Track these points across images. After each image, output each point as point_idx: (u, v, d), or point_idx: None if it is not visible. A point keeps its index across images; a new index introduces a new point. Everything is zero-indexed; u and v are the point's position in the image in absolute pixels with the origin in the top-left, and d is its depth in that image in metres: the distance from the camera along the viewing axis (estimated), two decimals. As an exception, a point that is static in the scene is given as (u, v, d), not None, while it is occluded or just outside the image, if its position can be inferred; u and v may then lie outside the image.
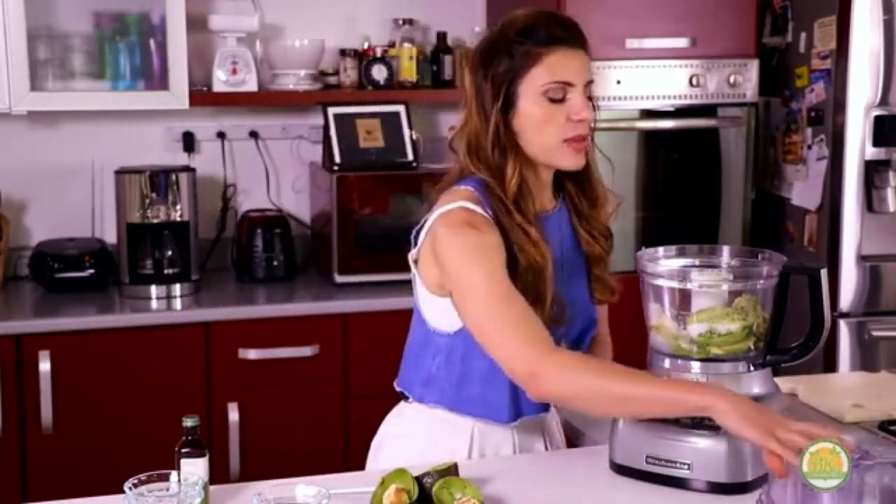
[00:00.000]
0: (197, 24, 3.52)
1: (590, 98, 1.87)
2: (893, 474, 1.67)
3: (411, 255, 1.93)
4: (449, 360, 1.92)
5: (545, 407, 1.97)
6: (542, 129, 1.85)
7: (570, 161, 1.88)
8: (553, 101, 1.83)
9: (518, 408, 1.93)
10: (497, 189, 1.85)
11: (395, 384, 2.03)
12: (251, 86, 3.55)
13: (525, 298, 1.79)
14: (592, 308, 2.02)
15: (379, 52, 3.63)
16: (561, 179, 1.97)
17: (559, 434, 2.09)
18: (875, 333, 3.38)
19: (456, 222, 1.82)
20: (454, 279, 1.82)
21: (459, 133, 1.92)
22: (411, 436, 1.97)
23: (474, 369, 1.90)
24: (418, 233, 1.92)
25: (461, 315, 1.84)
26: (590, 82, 1.87)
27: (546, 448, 2.03)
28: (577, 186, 1.98)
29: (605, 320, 2.12)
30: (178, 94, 3.37)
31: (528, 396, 1.82)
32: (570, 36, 1.85)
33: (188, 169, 3.45)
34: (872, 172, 3.35)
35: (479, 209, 1.83)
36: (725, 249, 1.94)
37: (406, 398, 2.00)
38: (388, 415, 2.07)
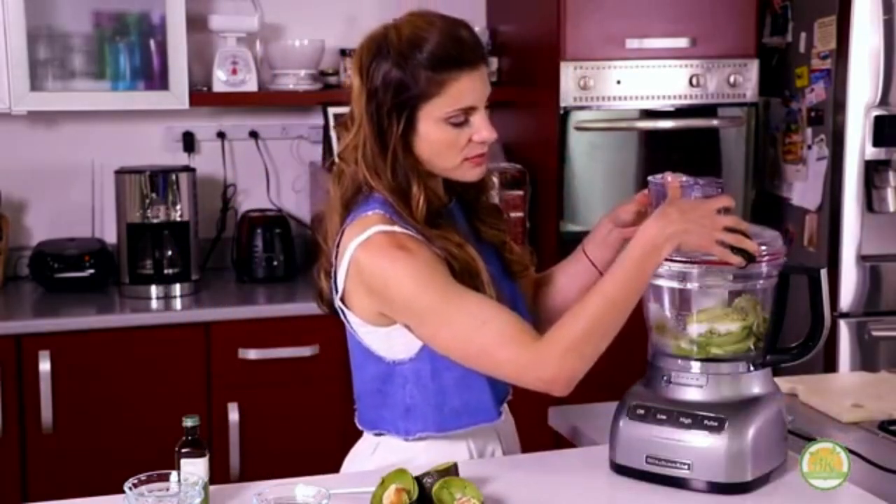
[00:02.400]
0: (197, 24, 3.52)
1: (487, 107, 1.81)
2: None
3: (337, 298, 1.84)
4: (419, 384, 1.84)
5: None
6: (443, 153, 1.79)
7: (472, 175, 1.84)
8: (455, 125, 1.78)
9: (498, 396, 1.89)
10: (403, 210, 1.78)
11: (357, 423, 1.94)
12: (251, 86, 3.55)
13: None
14: (519, 298, 1.95)
15: (379, 52, 3.63)
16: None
17: (513, 434, 2.05)
18: (875, 333, 3.38)
19: (381, 248, 1.75)
20: (407, 308, 1.76)
21: (352, 144, 1.81)
22: (409, 465, 1.83)
23: (448, 382, 1.83)
24: (336, 274, 1.83)
25: (429, 341, 1.78)
26: (488, 98, 1.81)
27: (502, 449, 1.98)
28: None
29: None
30: (178, 94, 3.37)
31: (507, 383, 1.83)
32: (473, 57, 1.78)
33: (188, 169, 3.45)
34: (872, 172, 3.35)
35: (396, 229, 1.76)
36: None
37: (378, 434, 1.92)
38: (354, 450, 1.97)
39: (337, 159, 1.89)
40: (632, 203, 1.93)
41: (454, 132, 1.79)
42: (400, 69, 1.75)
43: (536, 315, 2.00)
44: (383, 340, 1.85)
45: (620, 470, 1.83)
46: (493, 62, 3.76)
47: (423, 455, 1.86)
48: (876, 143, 3.32)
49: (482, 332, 1.73)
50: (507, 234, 1.96)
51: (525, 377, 1.75)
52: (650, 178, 1.86)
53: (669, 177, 1.80)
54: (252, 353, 3.20)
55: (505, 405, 1.97)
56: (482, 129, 1.80)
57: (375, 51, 1.79)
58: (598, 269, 1.95)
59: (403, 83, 1.75)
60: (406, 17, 1.82)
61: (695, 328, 1.81)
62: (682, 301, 1.82)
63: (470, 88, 1.78)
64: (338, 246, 1.82)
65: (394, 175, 1.78)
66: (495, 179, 3.44)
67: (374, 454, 1.92)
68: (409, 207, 1.78)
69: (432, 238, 1.78)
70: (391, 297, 1.77)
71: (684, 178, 1.80)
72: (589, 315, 1.72)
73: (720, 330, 1.80)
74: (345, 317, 1.88)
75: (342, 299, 1.84)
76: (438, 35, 1.76)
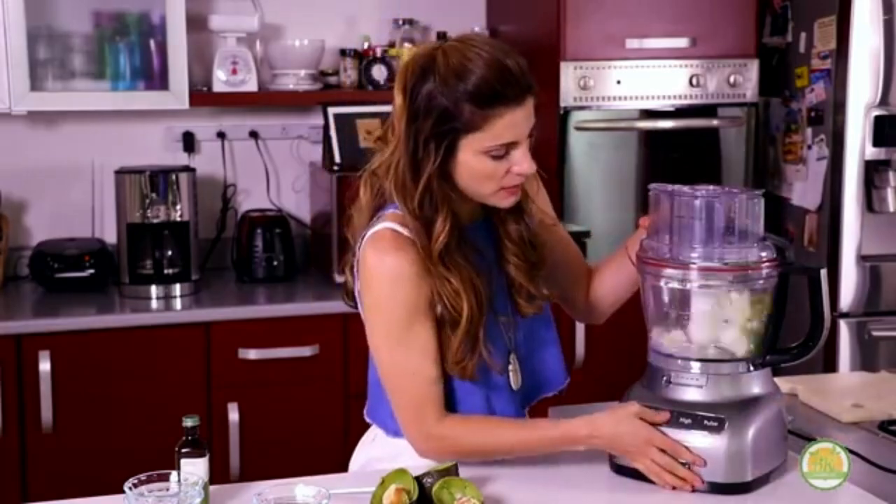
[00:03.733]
0: (197, 24, 3.52)
1: (530, 135, 1.78)
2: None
3: (356, 288, 1.86)
4: None
5: (523, 409, 1.94)
6: (481, 182, 1.77)
7: (505, 203, 1.82)
8: (495, 157, 1.75)
9: (524, 406, 1.92)
10: (423, 239, 1.76)
11: (364, 414, 1.98)
12: (251, 86, 3.55)
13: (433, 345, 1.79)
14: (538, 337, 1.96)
15: (379, 52, 3.63)
16: None
17: None
18: (875, 333, 3.38)
19: (380, 243, 1.77)
20: (369, 310, 1.82)
21: (387, 163, 1.79)
22: (399, 459, 1.88)
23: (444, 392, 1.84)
24: (354, 267, 1.86)
25: (370, 346, 1.84)
26: (532, 129, 1.79)
27: None
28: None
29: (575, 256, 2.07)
30: (178, 94, 3.37)
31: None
32: (519, 91, 1.73)
33: (188, 169, 3.45)
34: (872, 172, 3.35)
35: (406, 232, 1.77)
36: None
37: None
38: (363, 438, 2.01)
39: (371, 174, 1.86)
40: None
41: (493, 164, 1.76)
42: (444, 98, 1.72)
43: (582, 305, 2.06)
44: None
45: (620, 470, 1.83)
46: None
47: (411, 451, 1.87)
48: (876, 143, 3.32)
49: (405, 381, 1.81)
50: (530, 268, 1.89)
51: (405, 435, 1.84)
52: (651, 186, 1.87)
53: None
54: (252, 353, 3.20)
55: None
56: (523, 163, 1.77)
57: (421, 74, 1.74)
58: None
59: (446, 113, 1.72)
60: (456, 42, 1.77)
61: (694, 329, 1.81)
62: (682, 301, 1.82)
63: (512, 124, 1.74)
64: (362, 239, 1.84)
65: (420, 204, 1.76)
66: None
67: (373, 445, 1.97)
68: (430, 237, 1.77)
69: (434, 272, 1.77)
70: (364, 295, 1.81)
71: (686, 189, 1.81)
72: (491, 444, 1.82)
73: (720, 331, 1.80)
74: (360, 308, 1.89)
75: (360, 291, 1.86)
76: (484, 67, 1.71)
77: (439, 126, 1.73)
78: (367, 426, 2.01)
